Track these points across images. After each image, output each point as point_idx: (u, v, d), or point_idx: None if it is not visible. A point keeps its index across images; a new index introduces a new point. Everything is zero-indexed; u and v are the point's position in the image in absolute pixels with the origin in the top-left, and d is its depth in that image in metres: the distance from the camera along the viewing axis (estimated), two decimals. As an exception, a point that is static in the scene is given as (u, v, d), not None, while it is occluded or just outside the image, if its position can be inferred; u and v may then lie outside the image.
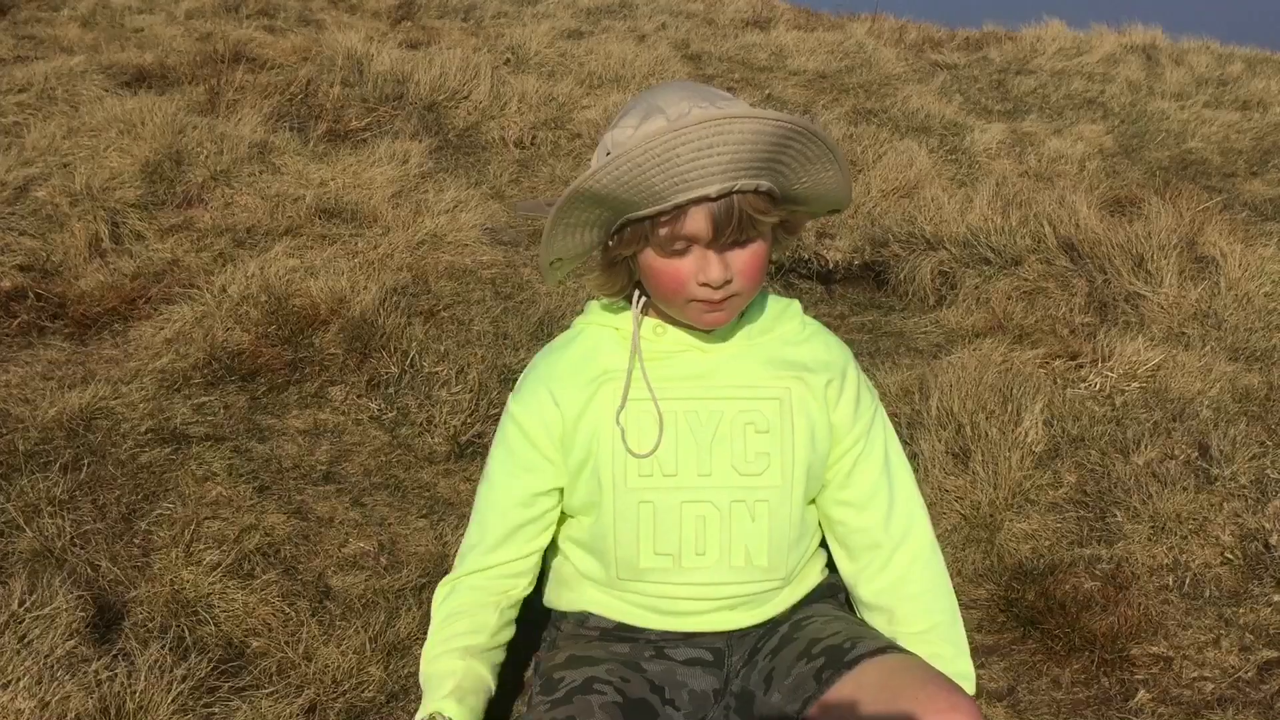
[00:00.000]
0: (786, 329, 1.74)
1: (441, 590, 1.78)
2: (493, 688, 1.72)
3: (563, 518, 1.79)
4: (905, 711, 1.49)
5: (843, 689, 1.57)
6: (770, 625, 1.75)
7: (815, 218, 1.75)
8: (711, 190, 1.42)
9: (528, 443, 1.69)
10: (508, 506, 1.73)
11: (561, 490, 1.73)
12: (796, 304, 1.79)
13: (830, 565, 1.86)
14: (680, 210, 1.46)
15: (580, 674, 1.67)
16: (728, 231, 1.48)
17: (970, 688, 1.71)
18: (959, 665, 1.73)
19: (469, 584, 1.75)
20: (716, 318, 1.60)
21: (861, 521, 1.76)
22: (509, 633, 1.78)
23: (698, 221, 1.47)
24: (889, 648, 1.64)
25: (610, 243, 1.58)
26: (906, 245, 4.91)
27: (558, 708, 1.61)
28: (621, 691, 1.64)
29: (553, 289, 1.43)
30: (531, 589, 1.82)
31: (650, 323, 1.67)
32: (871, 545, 1.76)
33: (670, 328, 1.67)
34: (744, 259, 1.53)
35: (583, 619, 1.79)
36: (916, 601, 1.75)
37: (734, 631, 1.74)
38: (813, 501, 1.78)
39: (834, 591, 1.84)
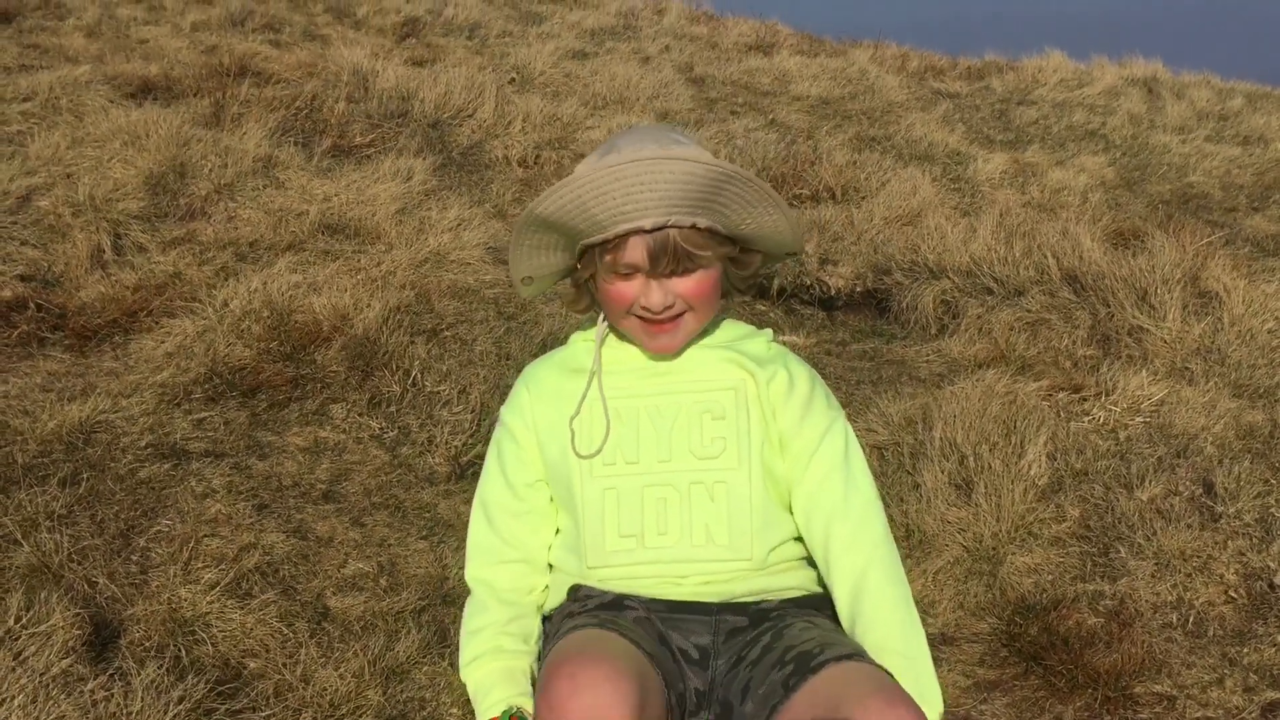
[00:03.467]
0: (750, 345, 1.85)
1: (471, 603, 1.87)
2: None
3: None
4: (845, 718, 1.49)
5: (802, 696, 1.59)
6: (755, 632, 1.74)
7: (773, 262, 1.87)
8: (646, 223, 1.61)
9: (513, 440, 1.85)
10: (502, 500, 1.86)
11: (546, 483, 1.87)
12: (768, 331, 1.90)
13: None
14: (621, 240, 1.64)
15: (602, 607, 1.75)
16: (664, 262, 1.64)
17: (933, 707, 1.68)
18: (921, 683, 1.71)
19: (491, 578, 1.85)
20: (663, 344, 1.74)
21: (814, 528, 1.79)
22: (538, 618, 1.88)
23: (636, 251, 1.64)
24: (854, 655, 1.64)
25: (578, 265, 1.75)
26: (909, 273, 4.91)
27: (589, 614, 1.71)
28: (643, 623, 1.73)
29: (528, 298, 1.79)
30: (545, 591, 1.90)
31: (620, 332, 1.82)
32: (825, 561, 1.79)
33: None
34: (686, 285, 1.69)
35: (574, 593, 1.83)
36: (873, 616, 1.75)
37: (716, 609, 1.76)
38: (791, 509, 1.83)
39: (823, 604, 1.83)
